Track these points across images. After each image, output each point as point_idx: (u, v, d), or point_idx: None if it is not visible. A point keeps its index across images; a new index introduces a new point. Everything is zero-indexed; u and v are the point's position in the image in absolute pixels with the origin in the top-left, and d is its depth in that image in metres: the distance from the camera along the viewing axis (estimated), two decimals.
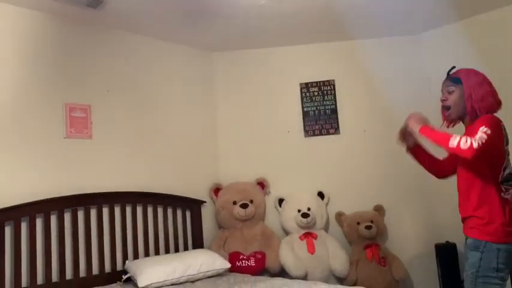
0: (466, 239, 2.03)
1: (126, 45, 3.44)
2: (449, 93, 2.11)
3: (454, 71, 2.15)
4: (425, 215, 3.76)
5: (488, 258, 1.89)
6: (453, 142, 1.89)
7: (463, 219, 2.07)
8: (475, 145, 1.83)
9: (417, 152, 2.37)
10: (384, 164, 3.81)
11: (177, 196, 3.48)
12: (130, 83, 3.42)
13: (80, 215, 2.95)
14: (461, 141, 1.87)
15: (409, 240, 3.73)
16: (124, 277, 2.89)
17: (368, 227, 3.49)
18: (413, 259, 3.66)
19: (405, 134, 2.31)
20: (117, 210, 3.14)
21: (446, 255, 3.37)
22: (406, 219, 3.76)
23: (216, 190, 3.78)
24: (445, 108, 2.13)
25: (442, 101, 2.14)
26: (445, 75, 2.16)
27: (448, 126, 2.20)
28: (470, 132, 1.94)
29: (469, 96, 2.03)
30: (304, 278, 3.33)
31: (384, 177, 3.78)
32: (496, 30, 3.42)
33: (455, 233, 3.50)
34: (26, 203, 2.66)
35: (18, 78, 2.82)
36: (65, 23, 3.09)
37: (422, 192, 3.76)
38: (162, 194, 3.38)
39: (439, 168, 2.36)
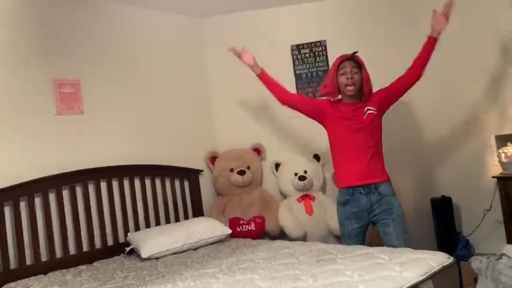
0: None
1: (113, 16, 3.34)
2: (355, 73, 2.68)
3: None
4: (422, 170, 3.80)
5: None
6: None
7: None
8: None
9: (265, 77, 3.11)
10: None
11: (174, 167, 3.49)
12: (120, 55, 3.35)
13: (79, 191, 2.96)
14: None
15: (406, 196, 3.78)
16: (127, 249, 2.94)
17: None
18: (410, 213, 3.72)
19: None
20: (115, 184, 3.15)
21: (442, 209, 3.44)
22: (403, 175, 3.80)
23: (213, 158, 3.79)
24: (349, 81, 2.67)
25: (350, 74, 2.66)
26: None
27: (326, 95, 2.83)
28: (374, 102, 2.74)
29: (368, 80, 2.71)
30: (304, 238, 3.40)
31: (381, 136, 3.78)
32: None
33: (451, 187, 3.56)
34: (24, 182, 2.66)
35: (2, 56, 2.76)
36: None
37: (418, 148, 3.78)
38: (159, 165, 3.39)
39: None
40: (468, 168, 3.51)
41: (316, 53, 3.89)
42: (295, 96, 3.01)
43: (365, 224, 2.76)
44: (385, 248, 2.46)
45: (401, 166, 3.80)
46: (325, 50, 3.88)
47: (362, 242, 2.71)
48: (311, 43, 3.89)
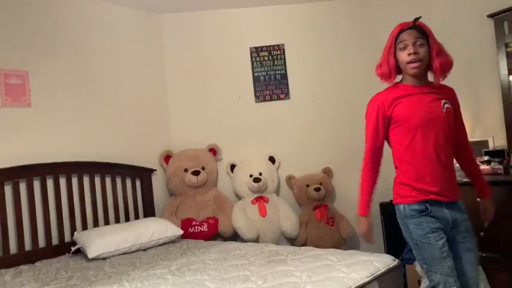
0: (459, 202, 1.91)
1: (65, 7, 3.22)
2: (420, 46, 1.86)
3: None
4: None
5: None
6: None
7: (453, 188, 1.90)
8: None
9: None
10: (332, 128, 3.90)
11: (125, 165, 3.40)
12: (72, 48, 3.23)
13: (23, 187, 2.82)
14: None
15: (356, 200, 3.87)
16: (73, 248, 2.84)
17: (317, 189, 3.59)
18: (358, 218, 3.82)
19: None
20: (62, 181, 3.03)
21: (390, 213, 3.54)
22: (353, 180, 3.87)
23: (167, 157, 3.73)
24: (417, 60, 1.86)
25: (409, 50, 1.86)
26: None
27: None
28: (448, 96, 1.93)
29: (439, 53, 1.88)
30: (256, 240, 3.41)
31: (332, 140, 3.88)
32: None
33: None
34: None
35: None
36: None
37: None
38: (110, 163, 3.29)
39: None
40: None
41: (275, 56, 3.92)
42: (378, 152, 2.00)
43: None
44: (334, 250, 2.51)
45: (350, 170, 3.89)
46: (284, 53, 3.92)
47: None
48: (270, 46, 3.92)
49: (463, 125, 2.04)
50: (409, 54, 1.85)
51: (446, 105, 1.89)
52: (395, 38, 1.91)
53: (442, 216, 1.85)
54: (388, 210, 3.57)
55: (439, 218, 1.85)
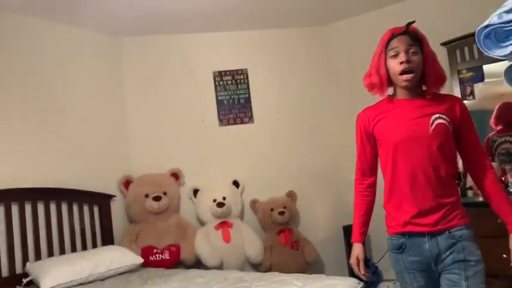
0: (450, 231, 1.60)
1: (21, 29, 3.12)
2: (414, 54, 1.63)
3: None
4: (334, 199, 3.95)
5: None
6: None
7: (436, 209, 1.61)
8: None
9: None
10: (295, 151, 3.93)
11: (82, 191, 3.27)
12: (27, 71, 3.11)
13: None
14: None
15: (320, 223, 3.90)
16: (25, 281, 2.66)
17: (281, 213, 3.58)
18: (323, 241, 3.83)
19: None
20: (15, 208, 2.87)
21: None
22: (317, 204, 3.93)
23: (127, 183, 3.61)
24: (409, 71, 1.62)
25: (401, 59, 1.62)
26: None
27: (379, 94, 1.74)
28: (447, 108, 1.65)
29: (433, 63, 1.66)
30: (220, 267, 3.33)
31: (296, 164, 3.90)
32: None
33: None
34: None
35: None
36: None
37: (331, 178, 3.94)
38: (65, 189, 3.15)
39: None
40: (378, 197, 3.71)
41: (238, 80, 3.94)
42: (367, 173, 1.81)
43: None
44: (299, 274, 2.48)
45: (314, 193, 3.92)
46: (247, 78, 3.95)
47: None
48: (233, 70, 3.94)
49: (476, 139, 1.70)
50: (401, 63, 1.60)
51: (438, 121, 1.61)
52: (386, 45, 1.66)
53: (420, 253, 1.61)
54: (351, 233, 3.59)
55: (417, 255, 1.62)
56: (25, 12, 3.11)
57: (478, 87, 3.18)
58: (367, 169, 1.80)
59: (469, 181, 3.04)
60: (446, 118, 1.63)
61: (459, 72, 3.23)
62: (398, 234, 1.66)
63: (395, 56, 1.63)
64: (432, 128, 1.61)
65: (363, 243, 1.82)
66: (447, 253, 1.58)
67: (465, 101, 3.15)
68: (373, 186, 1.81)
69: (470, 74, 3.17)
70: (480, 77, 3.14)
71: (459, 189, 2.51)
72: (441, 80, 1.67)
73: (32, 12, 3.12)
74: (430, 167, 1.60)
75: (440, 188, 1.61)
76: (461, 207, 1.65)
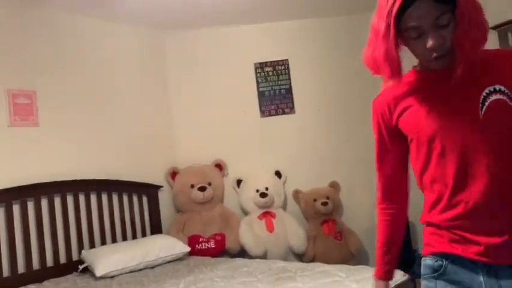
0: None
1: (70, 27, 3.27)
2: (444, 26, 1.03)
3: None
4: None
5: None
6: None
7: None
8: None
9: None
10: (338, 141, 3.89)
11: (132, 182, 3.41)
12: (77, 67, 3.27)
13: (30, 206, 2.83)
14: None
15: (363, 214, 3.86)
16: (81, 267, 2.83)
17: (324, 203, 3.57)
18: (367, 232, 3.79)
19: None
20: (70, 199, 3.04)
21: None
22: (360, 194, 3.88)
23: (173, 174, 3.73)
24: (442, 54, 1.06)
25: (428, 42, 1.03)
26: None
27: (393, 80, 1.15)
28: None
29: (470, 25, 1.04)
30: (264, 256, 3.38)
31: (339, 154, 3.87)
32: None
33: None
34: None
35: None
36: (2, 4, 2.89)
37: (374, 167, 3.87)
38: (116, 180, 3.30)
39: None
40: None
41: (279, 71, 3.94)
42: (392, 183, 1.31)
43: None
44: (343, 265, 2.48)
45: (357, 183, 3.88)
46: (288, 68, 3.94)
47: None
48: (274, 61, 3.94)
49: None
50: (431, 49, 1.04)
51: (492, 98, 1.05)
52: (395, 17, 1.03)
53: (469, 283, 1.08)
54: None
55: (460, 284, 1.10)
56: (74, 11, 3.25)
57: None
58: (392, 178, 1.28)
59: None
60: (506, 88, 1.05)
61: None
62: (438, 255, 1.15)
63: (418, 37, 1.05)
64: (484, 109, 1.05)
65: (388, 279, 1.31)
66: None
67: None
68: (403, 203, 1.30)
69: None
70: None
71: None
72: (480, 43, 1.06)
73: (80, 10, 3.26)
74: (493, 164, 1.04)
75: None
76: None
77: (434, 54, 1.06)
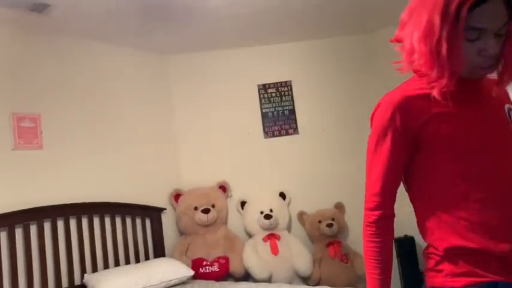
0: None
1: (76, 51, 3.31)
2: (501, 36, 0.99)
3: None
4: None
5: None
6: None
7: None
8: None
9: None
10: (342, 162, 3.87)
11: (135, 205, 3.38)
12: (82, 90, 3.29)
13: (33, 229, 2.80)
14: None
15: None
16: None
17: (329, 225, 3.53)
18: None
19: None
20: (73, 223, 3.01)
21: (405, 248, 3.47)
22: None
23: (177, 196, 3.70)
24: (493, 59, 1.01)
25: (488, 49, 0.98)
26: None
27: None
28: None
29: None
30: (269, 279, 3.33)
31: (344, 175, 3.84)
32: None
33: (413, 227, 3.61)
34: None
35: None
36: (9, 29, 2.93)
37: None
38: (119, 203, 3.27)
39: None
40: None
41: (282, 93, 3.96)
42: (389, 199, 1.17)
43: None
44: None
45: (362, 206, 3.83)
46: (291, 89, 3.96)
47: None
48: (277, 83, 3.96)
49: None
50: (488, 55, 0.99)
51: None
52: (457, 13, 0.95)
53: None
54: (403, 245, 3.49)
55: None
56: (79, 35, 3.30)
57: None
58: (391, 193, 1.16)
59: None
60: None
61: None
62: (484, 284, 1.00)
63: (477, 39, 0.97)
64: None
65: None
66: None
67: None
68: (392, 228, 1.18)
69: None
70: None
71: None
72: None
73: (86, 34, 3.30)
74: None
75: None
76: None
77: (489, 62, 1.00)
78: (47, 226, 2.87)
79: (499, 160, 1.02)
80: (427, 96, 1.05)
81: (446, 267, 1.04)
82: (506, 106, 1.07)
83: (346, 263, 3.50)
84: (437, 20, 0.97)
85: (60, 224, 2.94)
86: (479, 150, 1.02)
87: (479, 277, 0.99)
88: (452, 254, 1.04)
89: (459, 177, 1.03)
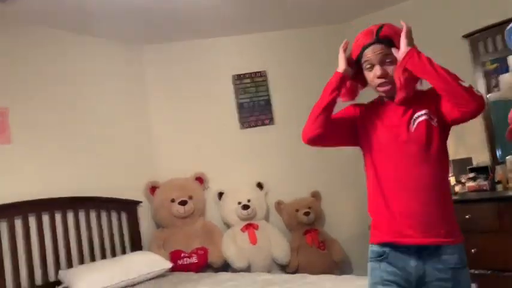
0: (442, 249, 1.42)
1: (45, 42, 3.20)
2: (390, 63, 1.50)
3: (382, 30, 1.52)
4: (359, 197, 3.89)
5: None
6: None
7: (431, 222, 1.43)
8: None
9: None
10: (318, 152, 3.88)
11: (110, 198, 3.32)
12: (53, 82, 3.19)
13: (3, 226, 2.72)
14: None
15: (345, 223, 3.87)
16: None
17: (306, 213, 3.57)
18: (350, 240, 3.80)
19: None
20: (46, 218, 2.93)
21: None
22: (342, 203, 3.90)
23: (153, 188, 3.65)
24: (387, 83, 1.52)
25: (381, 76, 1.52)
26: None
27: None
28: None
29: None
30: (248, 269, 3.34)
31: (319, 164, 3.87)
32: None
33: None
34: None
35: None
36: None
37: (355, 176, 3.89)
38: (93, 197, 3.20)
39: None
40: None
41: (258, 83, 3.94)
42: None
43: None
44: (328, 276, 2.47)
45: (338, 193, 3.89)
46: (266, 80, 3.95)
47: None
48: (252, 73, 3.95)
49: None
50: (378, 77, 1.51)
51: (420, 119, 1.47)
52: (359, 55, 1.58)
53: (402, 266, 1.42)
54: None
55: (398, 267, 1.43)
56: (48, 26, 3.19)
57: (504, 78, 3.10)
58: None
59: (498, 175, 2.98)
60: (429, 114, 1.48)
61: (483, 64, 3.16)
62: (381, 244, 1.48)
63: (371, 68, 1.53)
64: (413, 127, 1.49)
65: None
66: (432, 277, 1.41)
67: (490, 94, 3.09)
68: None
69: (494, 65, 3.10)
70: (505, 68, 3.06)
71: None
72: (415, 78, 1.46)
73: (54, 25, 3.20)
74: (418, 171, 1.46)
75: (433, 194, 1.45)
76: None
77: (380, 82, 1.56)
78: (18, 223, 2.79)
79: (387, 159, 1.53)
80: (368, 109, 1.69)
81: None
82: (416, 115, 1.50)
83: (324, 249, 3.55)
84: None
85: (32, 220, 2.86)
86: (372, 150, 1.60)
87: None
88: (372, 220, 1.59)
89: (366, 168, 1.66)
